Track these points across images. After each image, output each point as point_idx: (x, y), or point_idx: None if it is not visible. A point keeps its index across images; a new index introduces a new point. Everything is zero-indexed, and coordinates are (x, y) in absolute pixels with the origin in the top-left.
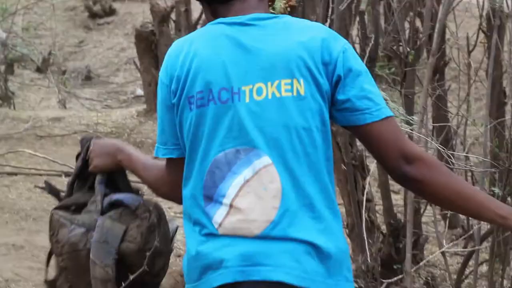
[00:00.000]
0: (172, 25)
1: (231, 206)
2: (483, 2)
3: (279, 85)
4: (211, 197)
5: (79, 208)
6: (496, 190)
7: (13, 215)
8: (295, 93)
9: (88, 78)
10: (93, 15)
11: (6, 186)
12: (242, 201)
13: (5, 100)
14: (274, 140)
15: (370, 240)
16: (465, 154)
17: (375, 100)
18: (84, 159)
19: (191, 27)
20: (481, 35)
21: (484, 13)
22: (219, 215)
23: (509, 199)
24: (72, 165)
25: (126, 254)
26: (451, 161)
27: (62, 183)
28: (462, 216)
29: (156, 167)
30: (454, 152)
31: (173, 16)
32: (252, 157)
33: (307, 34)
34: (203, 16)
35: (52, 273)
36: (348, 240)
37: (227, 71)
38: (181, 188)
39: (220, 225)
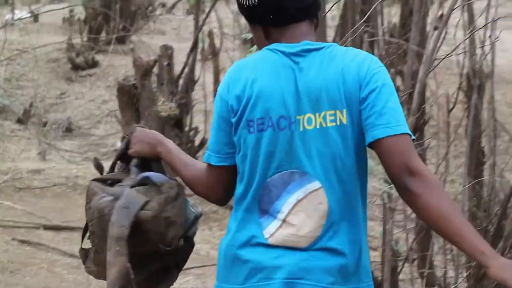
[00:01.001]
0: (154, 78)
1: (284, 221)
2: (464, 61)
3: (325, 116)
4: (267, 210)
5: (114, 183)
6: None
7: None
8: (338, 123)
9: (69, 130)
10: (76, 67)
11: None
12: (294, 218)
13: None
14: (322, 166)
15: None
16: None
17: (395, 116)
18: (127, 143)
19: (174, 81)
20: (461, 94)
21: (464, 72)
22: (272, 227)
23: None
24: (50, 218)
25: (143, 220)
26: None
27: (39, 236)
28: (439, 274)
29: (195, 167)
30: None
31: (155, 70)
32: (305, 180)
33: (346, 62)
34: (186, 70)
35: (87, 244)
36: None
37: (285, 101)
38: (214, 191)
39: (271, 235)
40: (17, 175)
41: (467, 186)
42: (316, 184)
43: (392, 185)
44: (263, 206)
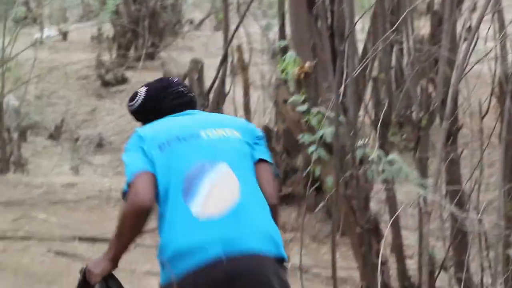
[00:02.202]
0: None
1: (205, 198)
2: (495, 68)
3: (224, 130)
4: (192, 195)
5: None
6: (511, 252)
7: (26, 279)
8: (235, 136)
9: (100, 145)
10: (106, 84)
11: (19, 251)
12: (214, 194)
13: (18, 166)
14: (226, 155)
15: None
16: (479, 217)
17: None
18: (84, 275)
19: (205, 95)
20: (494, 100)
21: (496, 79)
22: (198, 203)
23: None
24: (85, 230)
25: None
26: (465, 225)
27: (75, 248)
28: (476, 280)
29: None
30: (468, 216)
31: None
32: (215, 165)
33: (233, 117)
34: (217, 83)
35: None
36: None
37: (189, 125)
38: (148, 196)
39: (198, 212)
40: (50, 189)
41: (503, 190)
42: (225, 165)
43: (427, 188)
44: (186, 194)
